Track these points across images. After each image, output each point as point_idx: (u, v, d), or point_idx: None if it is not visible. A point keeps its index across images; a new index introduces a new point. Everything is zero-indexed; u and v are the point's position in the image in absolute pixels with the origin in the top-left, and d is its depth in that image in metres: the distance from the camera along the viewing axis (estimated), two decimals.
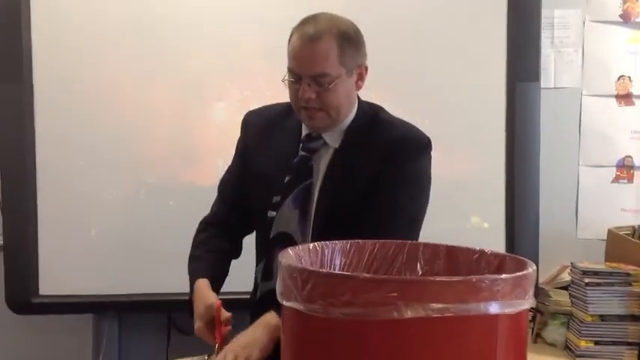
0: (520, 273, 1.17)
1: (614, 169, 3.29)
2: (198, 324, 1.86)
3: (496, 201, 3.03)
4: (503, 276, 1.14)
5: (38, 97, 2.85)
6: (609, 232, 3.04)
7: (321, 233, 1.86)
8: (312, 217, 1.94)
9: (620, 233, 2.99)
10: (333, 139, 1.97)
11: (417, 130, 1.99)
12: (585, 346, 2.71)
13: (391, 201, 1.90)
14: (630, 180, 3.28)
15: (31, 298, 2.86)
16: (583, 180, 3.30)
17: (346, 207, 1.91)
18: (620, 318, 2.71)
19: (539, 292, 2.97)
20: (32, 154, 2.85)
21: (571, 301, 2.83)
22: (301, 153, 1.99)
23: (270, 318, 1.77)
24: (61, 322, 3.07)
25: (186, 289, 1.98)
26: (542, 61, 3.10)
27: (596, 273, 2.72)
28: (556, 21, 3.26)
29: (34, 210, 2.85)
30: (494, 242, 2.95)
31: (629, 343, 2.70)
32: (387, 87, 2.77)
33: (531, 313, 2.94)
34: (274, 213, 1.97)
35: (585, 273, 2.73)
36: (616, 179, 3.29)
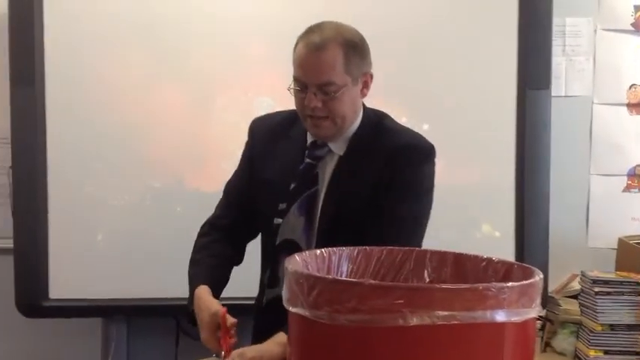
0: (527, 281, 1.17)
1: (625, 177, 3.27)
2: (204, 334, 1.85)
3: (506, 209, 3.02)
4: (510, 284, 1.14)
5: (50, 102, 2.87)
6: (620, 241, 3.03)
7: (326, 240, 1.86)
8: (317, 224, 1.95)
9: (631, 242, 2.97)
10: (338, 147, 1.98)
11: (421, 137, 2.00)
12: (595, 356, 2.70)
13: (395, 208, 1.90)
14: None
15: (41, 302, 2.87)
16: (594, 189, 3.28)
17: (351, 214, 1.91)
18: (630, 327, 2.69)
19: (548, 301, 2.96)
20: (44, 158, 2.86)
21: (581, 310, 2.82)
22: (307, 160, 1.99)
23: (283, 337, 1.76)
24: (70, 325, 3.08)
25: None
26: (554, 69, 3.10)
27: (606, 282, 2.71)
28: (567, 29, 3.25)
29: (44, 214, 2.87)
30: (504, 250, 2.94)
31: (638, 353, 2.69)
32: (396, 94, 2.78)
33: (540, 321, 2.93)
34: (280, 220, 1.97)
35: (595, 282, 2.72)
36: (627, 188, 3.28)
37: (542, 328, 2.93)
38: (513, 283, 1.14)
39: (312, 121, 1.92)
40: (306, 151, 2.00)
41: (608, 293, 2.70)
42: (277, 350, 1.73)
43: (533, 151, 3.01)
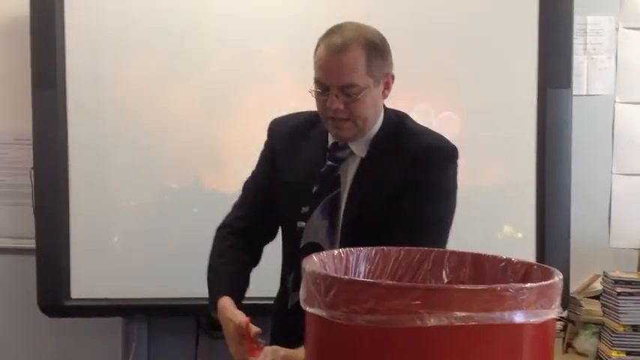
0: (546, 282, 1.16)
1: None
2: (232, 346, 1.84)
3: (527, 209, 3.00)
4: (529, 285, 1.13)
5: (71, 103, 2.89)
6: None
7: (350, 242, 1.83)
8: (340, 227, 1.94)
9: None
10: (359, 149, 1.96)
11: (443, 138, 1.98)
12: (617, 357, 2.68)
13: (419, 210, 1.89)
14: None
15: (63, 301, 2.90)
16: (616, 188, 3.25)
17: (374, 216, 1.90)
18: None
19: (570, 302, 2.94)
20: (65, 159, 2.89)
21: (603, 311, 2.79)
22: (328, 163, 1.97)
23: None
24: (91, 324, 3.10)
25: None
26: (575, 67, 3.07)
27: (628, 282, 2.69)
28: (589, 27, 3.23)
29: (66, 214, 2.89)
30: (525, 250, 2.93)
31: None
32: (417, 94, 2.77)
33: (562, 322, 2.91)
34: (303, 223, 1.96)
35: (617, 282, 2.70)
36: None
37: (564, 329, 2.91)
38: (532, 284, 1.13)
39: (334, 123, 1.91)
40: (328, 153, 1.99)
41: (631, 294, 2.67)
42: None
43: (554, 151, 2.99)
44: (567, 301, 2.91)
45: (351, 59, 1.84)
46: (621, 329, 2.67)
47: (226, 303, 1.90)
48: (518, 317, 1.10)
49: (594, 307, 2.86)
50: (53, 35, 2.85)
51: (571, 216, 2.99)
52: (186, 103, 2.92)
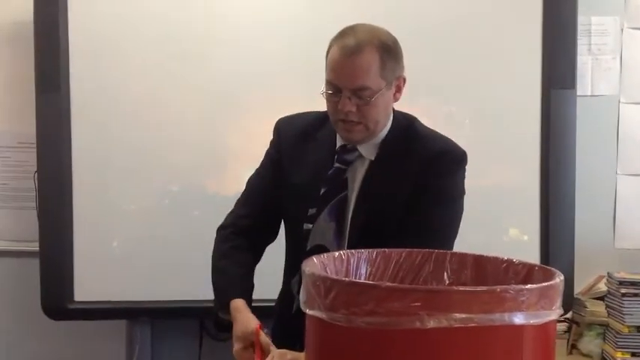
0: (546, 283, 1.15)
1: None
2: (236, 346, 1.84)
3: (531, 210, 2.99)
4: (529, 286, 1.12)
5: (75, 107, 2.89)
6: None
7: (357, 245, 1.83)
8: (348, 229, 1.93)
9: None
10: (368, 151, 1.95)
11: (453, 142, 1.97)
12: (622, 358, 2.67)
13: (429, 213, 1.88)
14: None
15: (67, 304, 2.90)
16: (621, 189, 3.24)
17: (382, 219, 1.89)
18: None
19: (575, 303, 2.93)
20: (68, 163, 2.89)
21: (607, 312, 2.78)
22: (336, 165, 1.96)
23: None
24: (94, 327, 3.10)
25: None
26: (580, 68, 3.06)
27: (633, 283, 2.68)
28: (593, 28, 3.22)
29: (69, 217, 2.89)
30: (529, 251, 2.92)
31: None
32: (421, 96, 2.76)
33: (567, 323, 2.90)
34: (310, 225, 1.95)
35: (622, 283, 2.69)
36: None
37: (569, 330, 2.90)
38: (532, 285, 1.13)
39: (345, 126, 1.89)
40: (336, 156, 1.97)
41: (635, 295, 2.66)
42: None
43: (559, 152, 2.98)
44: (572, 302, 2.90)
45: (365, 62, 1.82)
46: (626, 330, 2.66)
47: (240, 305, 1.89)
48: (519, 319, 1.10)
49: (599, 309, 2.85)
50: (57, 39, 2.86)
51: (575, 217, 2.98)
52: (189, 107, 2.92)
